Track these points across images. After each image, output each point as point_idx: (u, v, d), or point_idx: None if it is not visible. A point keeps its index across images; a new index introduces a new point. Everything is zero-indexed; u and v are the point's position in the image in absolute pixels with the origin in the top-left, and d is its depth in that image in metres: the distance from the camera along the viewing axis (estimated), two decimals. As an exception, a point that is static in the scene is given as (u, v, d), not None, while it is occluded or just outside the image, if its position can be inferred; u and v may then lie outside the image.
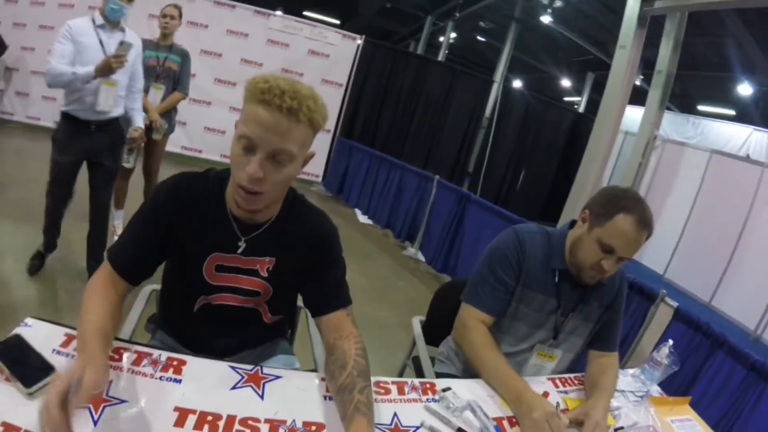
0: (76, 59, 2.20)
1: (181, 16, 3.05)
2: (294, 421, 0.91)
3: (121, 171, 2.77)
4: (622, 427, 1.19)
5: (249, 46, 5.84)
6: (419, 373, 1.61)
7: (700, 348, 2.16)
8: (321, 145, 5.63)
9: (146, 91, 2.89)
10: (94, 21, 2.27)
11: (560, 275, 1.37)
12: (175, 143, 5.86)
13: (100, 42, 2.26)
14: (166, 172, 5.19)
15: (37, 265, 2.57)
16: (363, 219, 5.35)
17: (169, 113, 3.10)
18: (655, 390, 1.46)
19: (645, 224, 1.22)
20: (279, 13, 6.20)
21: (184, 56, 3.13)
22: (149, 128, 2.89)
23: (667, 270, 6.98)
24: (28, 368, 0.84)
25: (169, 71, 3.05)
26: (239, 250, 1.06)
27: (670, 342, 1.43)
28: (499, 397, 1.18)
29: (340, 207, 5.63)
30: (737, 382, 1.98)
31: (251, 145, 0.90)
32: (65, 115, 2.31)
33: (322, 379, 1.04)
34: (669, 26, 7.31)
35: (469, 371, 1.39)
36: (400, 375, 1.82)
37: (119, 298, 1.01)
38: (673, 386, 1.88)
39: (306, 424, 0.91)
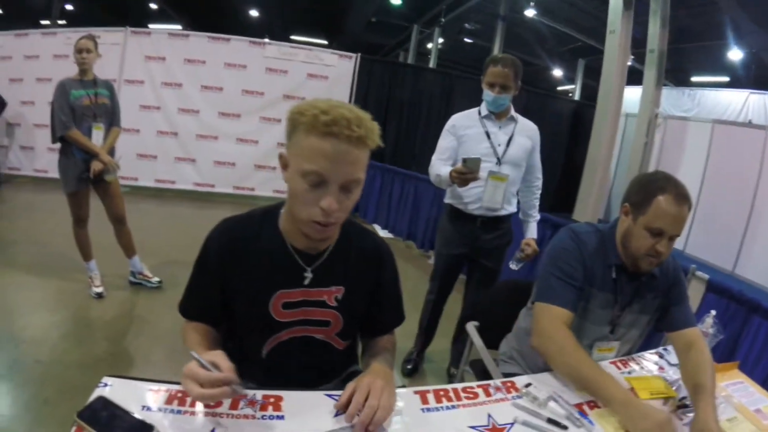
0: (459, 150, 2.26)
1: (96, 47, 2.86)
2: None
3: (75, 219, 2.89)
4: (684, 397, 1.23)
5: (248, 76, 5.89)
6: (483, 376, 1.63)
7: (736, 315, 2.20)
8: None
9: (87, 132, 2.81)
10: (479, 113, 2.33)
11: (617, 270, 1.38)
12: (185, 180, 5.97)
13: (486, 133, 2.27)
14: (186, 212, 5.17)
15: (411, 369, 2.60)
16: (383, 234, 5.34)
17: (112, 150, 2.94)
18: (705, 360, 1.50)
19: (683, 198, 1.26)
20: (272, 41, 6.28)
21: (111, 88, 2.98)
22: (101, 172, 2.80)
23: (686, 245, 6.89)
24: (124, 431, 0.77)
25: (103, 107, 2.90)
26: (306, 281, 1.04)
27: (713, 312, 1.48)
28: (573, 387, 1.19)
29: (358, 225, 5.63)
30: (778, 341, 2.00)
31: (321, 180, 0.89)
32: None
33: (415, 392, 1.06)
34: (654, 4, 7.27)
35: (535, 369, 1.41)
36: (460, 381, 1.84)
37: (210, 328, 1.09)
38: (716, 354, 1.88)
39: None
